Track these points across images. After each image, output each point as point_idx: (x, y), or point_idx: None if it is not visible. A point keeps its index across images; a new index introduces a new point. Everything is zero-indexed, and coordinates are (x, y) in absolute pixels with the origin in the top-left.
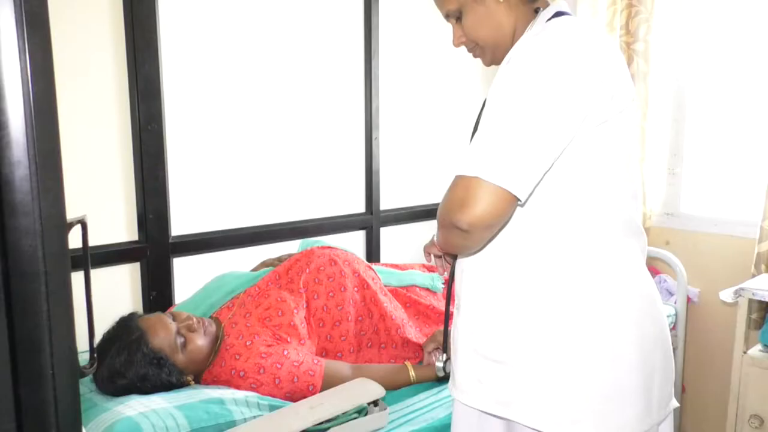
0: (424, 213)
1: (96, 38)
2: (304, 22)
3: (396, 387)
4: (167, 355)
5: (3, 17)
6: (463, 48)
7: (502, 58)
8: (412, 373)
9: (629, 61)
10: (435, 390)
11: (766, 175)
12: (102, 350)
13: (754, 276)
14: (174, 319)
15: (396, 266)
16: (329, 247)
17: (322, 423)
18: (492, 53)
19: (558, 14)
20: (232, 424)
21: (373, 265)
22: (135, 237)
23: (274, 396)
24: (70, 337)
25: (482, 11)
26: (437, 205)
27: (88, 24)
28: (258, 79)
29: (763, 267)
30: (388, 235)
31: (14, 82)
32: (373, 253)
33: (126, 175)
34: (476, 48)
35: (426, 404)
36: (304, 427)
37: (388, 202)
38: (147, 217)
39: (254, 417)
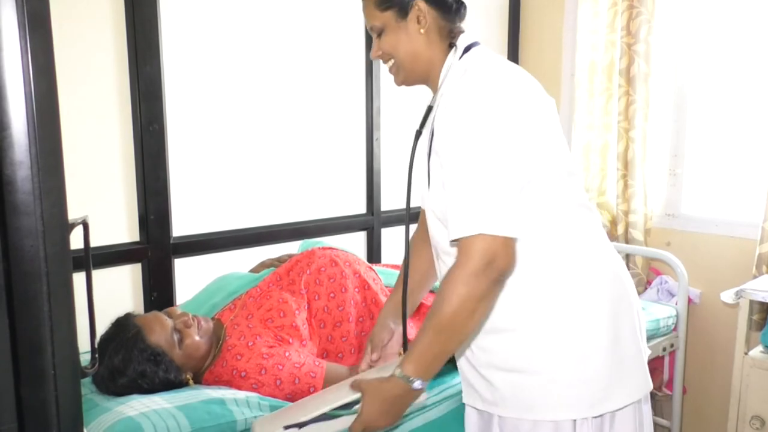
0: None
1: (97, 38)
2: (305, 23)
3: None
4: (164, 351)
5: (5, 18)
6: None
7: (414, 82)
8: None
9: (630, 63)
10: (435, 390)
11: (766, 176)
12: (100, 351)
13: (755, 277)
14: (170, 317)
15: (397, 267)
16: (330, 248)
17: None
18: (405, 75)
19: (469, 47)
20: (233, 424)
21: (374, 266)
22: (136, 238)
23: (275, 397)
24: (71, 337)
25: (403, 36)
26: None
27: (89, 24)
28: (259, 79)
29: (764, 268)
30: (389, 236)
31: (16, 82)
32: (374, 254)
33: (127, 176)
34: (392, 66)
35: (426, 404)
36: (353, 398)
37: (389, 202)
38: (148, 217)
39: (255, 417)
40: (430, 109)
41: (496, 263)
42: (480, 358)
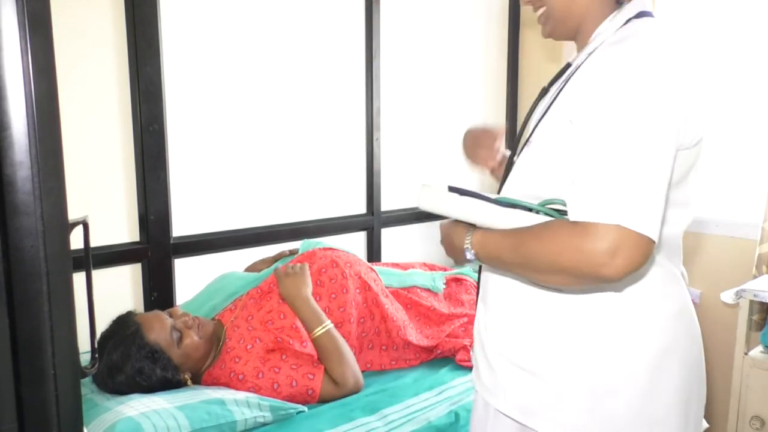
0: (425, 214)
1: (97, 39)
2: (306, 23)
3: None
4: (162, 349)
5: (5, 18)
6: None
7: (562, 35)
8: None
9: None
10: (435, 390)
11: (766, 176)
12: (100, 347)
13: (755, 277)
14: (171, 316)
15: (397, 265)
16: (331, 249)
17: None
18: (554, 25)
19: (640, 14)
20: (233, 424)
21: (374, 266)
22: (136, 238)
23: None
24: (71, 337)
25: None
26: None
27: (89, 25)
28: (259, 80)
29: (764, 268)
30: (389, 236)
31: (16, 82)
32: (374, 254)
33: (127, 176)
34: (542, 14)
35: (426, 404)
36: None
37: (389, 203)
38: (148, 217)
39: (255, 417)
40: (567, 66)
41: (616, 261)
42: (492, 341)
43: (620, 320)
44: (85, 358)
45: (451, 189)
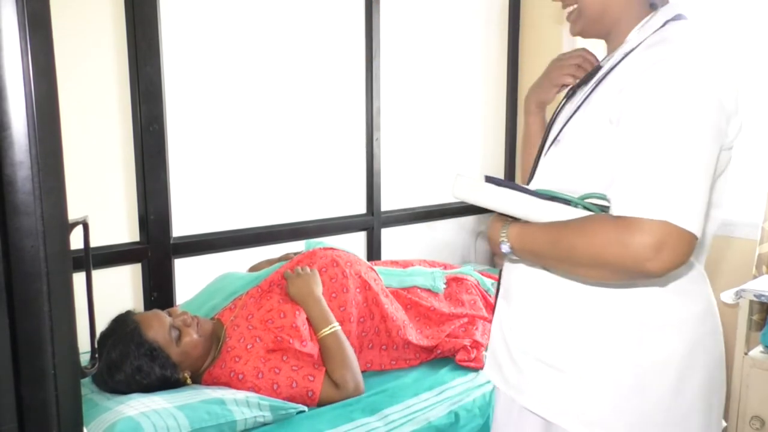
0: (425, 214)
1: (97, 39)
2: (305, 23)
3: None
4: (161, 347)
5: (5, 18)
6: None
7: (593, 34)
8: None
9: None
10: (435, 390)
11: (766, 176)
12: (99, 346)
13: (755, 277)
14: (170, 315)
15: (397, 263)
16: (331, 248)
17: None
18: (586, 24)
19: (676, 17)
20: (233, 424)
21: (375, 265)
22: (136, 238)
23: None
24: (71, 337)
25: None
26: (438, 206)
27: (89, 25)
28: (259, 80)
29: (764, 268)
30: (389, 236)
31: (16, 82)
32: (374, 254)
33: (127, 176)
34: (573, 12)
35: (426, 404)
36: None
37: (389, 203)
38: (148, 217)
39: (255, 417)
40: (597, 69)
41: (661, 256)
42: (517, 338)
43: (651, 317)
44: (85, 358)
45: (488, 179)
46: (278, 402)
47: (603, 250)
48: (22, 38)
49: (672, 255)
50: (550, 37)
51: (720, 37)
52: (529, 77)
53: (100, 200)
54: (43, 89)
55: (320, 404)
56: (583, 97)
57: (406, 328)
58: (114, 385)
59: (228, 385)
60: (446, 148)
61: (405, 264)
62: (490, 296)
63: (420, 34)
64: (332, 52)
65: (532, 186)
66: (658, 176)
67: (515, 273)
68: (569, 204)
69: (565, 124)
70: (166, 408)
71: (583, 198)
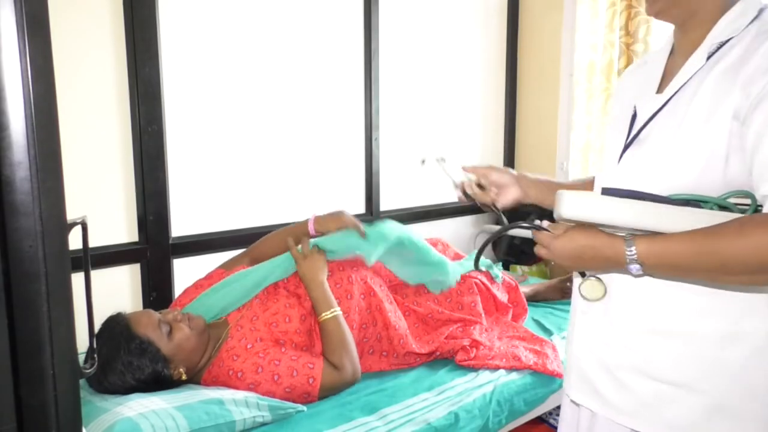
0: (424, 213)
1: (96, 40)
2: (305, 23)
3: None
4: (151, 341)
5: (4, 19)
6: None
7: (672, 16)
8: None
9: (628, 62)
10: (435, 390)
11: None
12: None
13: None
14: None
15: (436, 244)
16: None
17: None
18: (667, 5)
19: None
20: (232, 424)
21: (412, 234)
22: (135, 238)
23: (273, 393)
24: (70, 337)
25: None
26: (437, 205)
27: (88, 26)
28: (258, 80)
29: None
30: None
31: (15, 83)
32: None
33: (126, 177)
34: None
35: (425, 404)
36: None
37: (388, 202)
38: (147, 218)
39: (254, 417)
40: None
41: None
42: (623, 357)
43: None
44: (83, 359)
45: (606, 191)
46: (277, 402)
47: (762, 248)
48: (21, 39)
49: None
50: (549, 36)
51: None
52: (528, 76)
53: (99, 200)
54: (42, 90)
55: (321, 389)
56: (672, 92)
57: (407, 337)
58: (108, 384)
59: (227, 383)
60: (446, 147)
61: (434, 244)
62: (498, 286)
63: (419, 34)
64: (331, 52)
65: (611, 187)
66: None
67: (622, 287)
68: (702, 206)
69: (646, 123)
70: (165, 408)
71: (723, 198)
